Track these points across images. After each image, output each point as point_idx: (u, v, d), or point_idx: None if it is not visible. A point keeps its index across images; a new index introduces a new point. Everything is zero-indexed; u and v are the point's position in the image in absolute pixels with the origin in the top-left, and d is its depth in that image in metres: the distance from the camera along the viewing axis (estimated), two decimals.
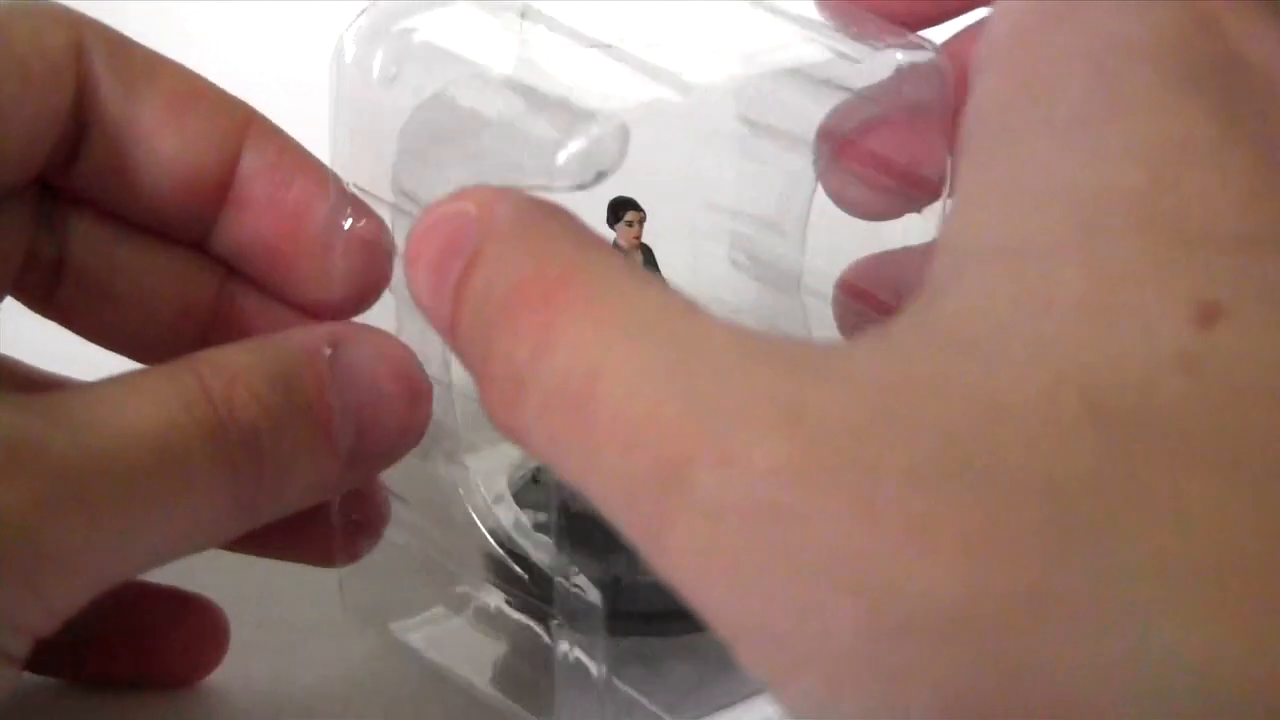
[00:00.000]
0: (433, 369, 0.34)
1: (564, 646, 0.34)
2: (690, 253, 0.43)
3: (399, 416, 0.33)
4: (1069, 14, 0.25)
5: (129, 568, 0.31)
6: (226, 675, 0.38)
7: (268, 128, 0.35)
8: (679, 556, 0.23)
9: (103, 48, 0.33)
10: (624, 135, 0.29)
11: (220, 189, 0.34)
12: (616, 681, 0.35)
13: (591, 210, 0.37)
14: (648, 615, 0.36)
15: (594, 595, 0.34)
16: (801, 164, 0.39)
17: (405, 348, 0.34)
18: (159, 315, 0.35)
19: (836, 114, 0.36)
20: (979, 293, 0.23)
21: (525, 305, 0.25)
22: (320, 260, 0.34)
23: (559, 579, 0.34)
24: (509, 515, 0.37)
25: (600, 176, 0.29)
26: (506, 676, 0.37)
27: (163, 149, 0.34)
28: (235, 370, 0.31)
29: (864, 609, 0.22)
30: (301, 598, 0.39)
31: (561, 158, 0.29)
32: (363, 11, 0.33)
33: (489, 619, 0.37)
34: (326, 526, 0.36)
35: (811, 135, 0.38)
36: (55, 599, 0.29)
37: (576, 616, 0.34)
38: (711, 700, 0.36)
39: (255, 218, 0.35)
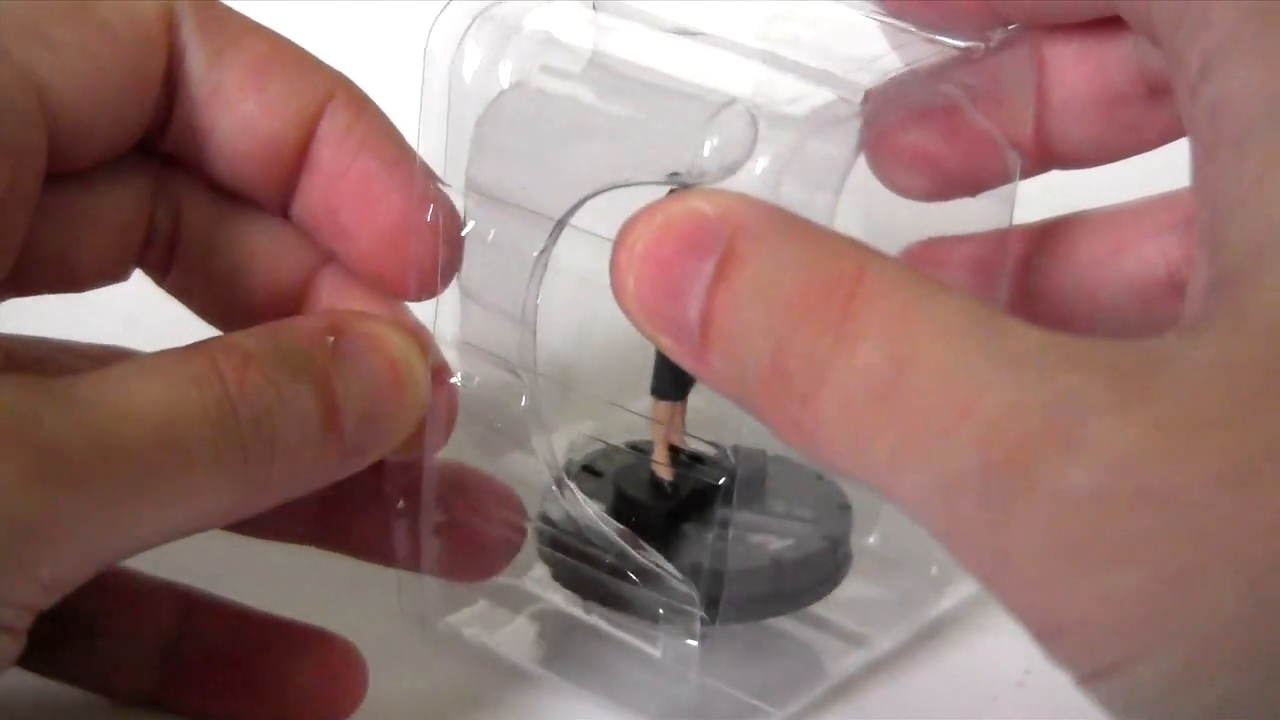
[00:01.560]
0: (510, 357, 0.34)
1: (659, 639, 0.35)
2: None
3: (393, 403, 0.34)
4: None
5: (127, 544, 0.31)
6: None
7: (352, 95, 0.34)
8: (1019, 548, 0.24)
9: (192, 14, 0.34)
10: (754, 125, 0.30)
11: (298, 154, 0.34)
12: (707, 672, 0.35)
13: None
14: (743, 600, 0.36)
15: (689, 586, 0.34)
16: None
17: (403, 336, 0.34)
18: (256, 290, 0.36)
19: (884, 96, 0.35)
20: None
21: (822, 301, 0.25)
22: (388, 235, 0.34)
23: (657, 571, 0.34)
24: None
25: (736, 166, 0.30)
26: (572, 662, 0.37)
27: (244, 112, 0.34)
28: (248, 353, 0.32)
29: (1246, 581, 0.23)
30: (360, 602, 0.38)
31: (706, 149, 0.29)
32: (443, 9, 0.33)
33: (552, 612, 0.38)
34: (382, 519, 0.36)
35: None
36: (44, 572, 0.29)
37: (673, 608, 0.34)
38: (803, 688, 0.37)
39: (322, 186, 0.34)
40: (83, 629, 0.35)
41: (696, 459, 0.39)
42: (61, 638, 0.35)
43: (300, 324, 0.33)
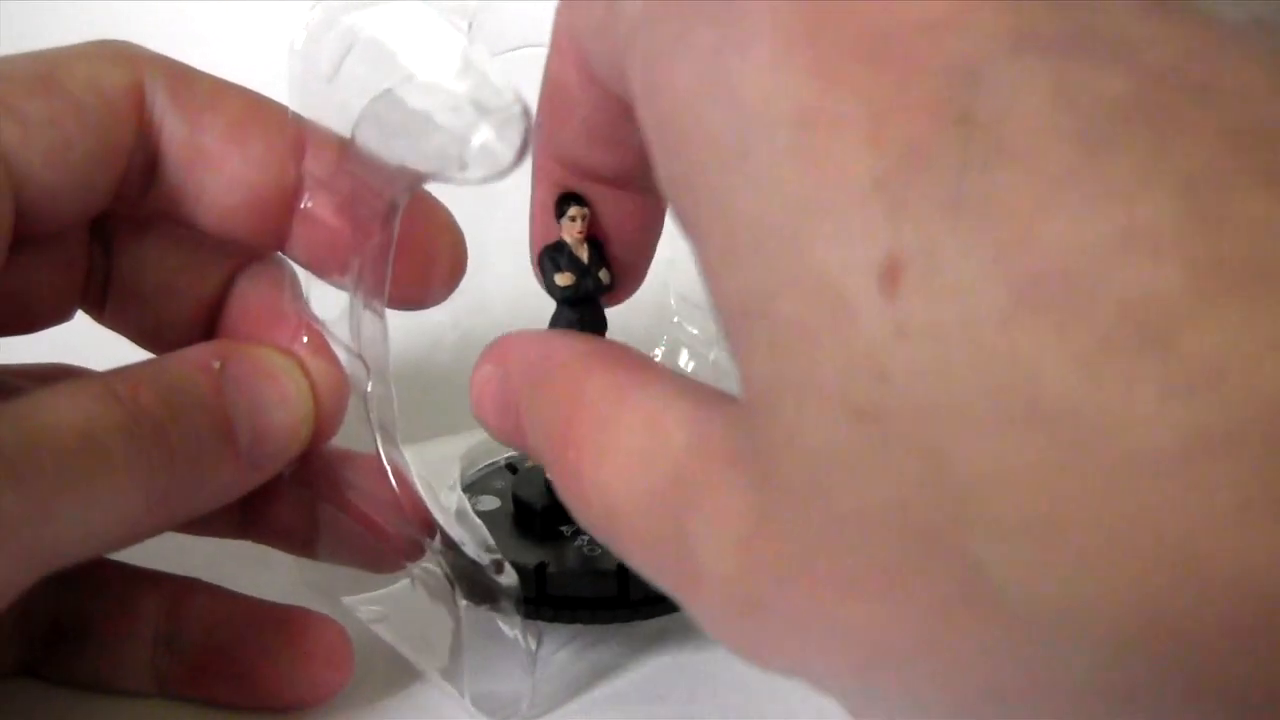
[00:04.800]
0: (376, 366, 0.36)
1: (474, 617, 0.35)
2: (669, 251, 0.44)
3: (281, 417, 0.36)
4: None
5: (62, 548, 0.32)
6: None
7: (324, 140, 0.35)
8: None
9: (164, 83, 0.35)
10: (527, 128, 0.30)
11: (289, 202, 0.36)
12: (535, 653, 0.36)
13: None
14: (573, 601, 0.37)
15: (510, 578, 0.35)
16: None
17: (283, 357, 0.36)
18: (183, 306, 0.38)
19: None
20: None
21: None
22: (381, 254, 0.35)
23: (481, 560, 0.35)
24: (452, 501, 0.38)
25: (507, 169, 0.30)
26: (444, 655, 0.38)
27: (228, 171, 0.36)
28: (138, 379, 0.34)
29: None
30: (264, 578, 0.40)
31: (470, 151, 0.30)
32: (314, 5, 0.34)
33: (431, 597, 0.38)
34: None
35: None
36: None
37: (494, 597, 0.35)
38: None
39: (313, 228, 0.36)
40: (81, 630, 0.37)
41: None
42: (62, 641, 0.37)
43: (185, 353, 0.35)
